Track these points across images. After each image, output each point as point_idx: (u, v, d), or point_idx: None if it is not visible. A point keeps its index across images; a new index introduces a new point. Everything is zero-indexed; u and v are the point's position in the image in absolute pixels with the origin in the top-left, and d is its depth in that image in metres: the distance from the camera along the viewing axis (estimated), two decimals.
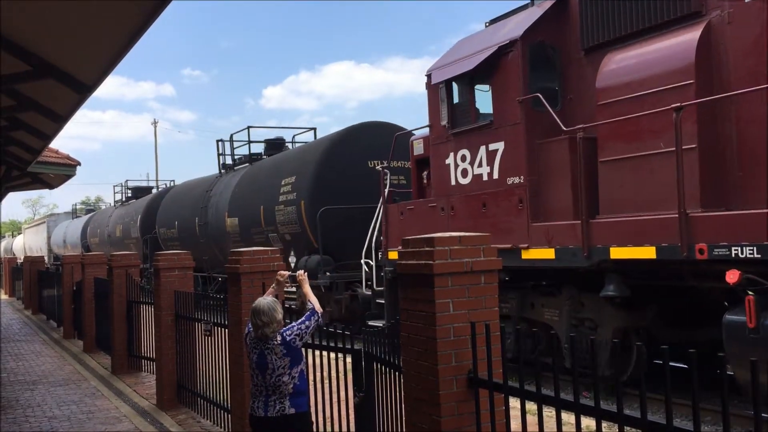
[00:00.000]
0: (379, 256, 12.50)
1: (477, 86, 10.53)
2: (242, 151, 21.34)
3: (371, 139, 15.34)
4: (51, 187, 15.80)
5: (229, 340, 6.99)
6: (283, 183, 16.00)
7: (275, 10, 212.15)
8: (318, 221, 14.15)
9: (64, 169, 13.44)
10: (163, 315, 9.14)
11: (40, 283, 23.60)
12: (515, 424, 3.73)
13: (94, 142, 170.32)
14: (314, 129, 20.26)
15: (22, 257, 39.44)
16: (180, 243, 22.39)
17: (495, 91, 9.92)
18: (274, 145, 20.32)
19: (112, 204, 37.07)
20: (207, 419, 8.12)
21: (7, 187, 14.06)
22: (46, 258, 42.33)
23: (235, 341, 6.63)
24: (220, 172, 21.74)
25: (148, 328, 10.89)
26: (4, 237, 75.18)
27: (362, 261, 13.24)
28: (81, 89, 6.83)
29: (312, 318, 4.79)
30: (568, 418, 3.67)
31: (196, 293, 9.13)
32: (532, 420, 3.59)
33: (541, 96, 9.02)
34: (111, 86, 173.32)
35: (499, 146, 9.75)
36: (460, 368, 3.81)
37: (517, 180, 9.46)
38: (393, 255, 11.47)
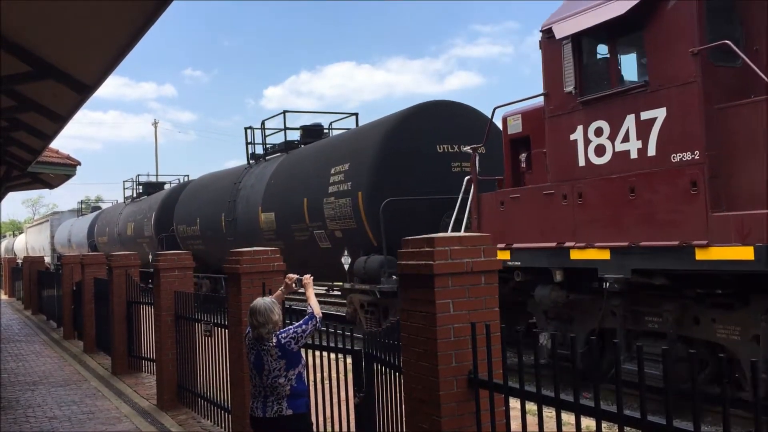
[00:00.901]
0: None
1: (621, 40, 8.55)
2: (273, 140, 19.38)
3: (439, 121, 13.22)
4: (51, 187, 15.80)
5: (229, 341, 6.99)
6: (333, 172, 13.90)
7: (276, 11, 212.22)
8: (381, 215, 12.07)
9: (64, 169, 13.44)
10: (163, 315, 9.14)
11: (39, 284, 23.58)
12: (515, 424, 3.73)
13: (94, 142, 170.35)
14: (356, 114, 18.41)
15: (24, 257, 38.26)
16: (203, 242, 20.80)
17: (652, 44, 7.90)
18: (312, 132, 18.08)
19: (122, 200, 34.33)
20: (207, 419, 8.13)
21: (7, 187, 14.06)
22: (49, 258, 41.39)
23: (235, 341, 6.64)
24: (248, 162, 19.48)
25: (148, 329, 10.89)
26: (5, 236, 75.12)
27: None
28: (81, 90, 6.83)
29: (309, 322, 4.79)
30: (568, 418, 3.67)
31: (198, 293, 9.13)
32: (532, 420, 3.59)
33: (731, 43, 7.10)
34: (112, 86, 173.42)
35: (658, 114, 7.72)
36: (461, 369, 3.81)
37: (687, 157, 7.42)
38: None
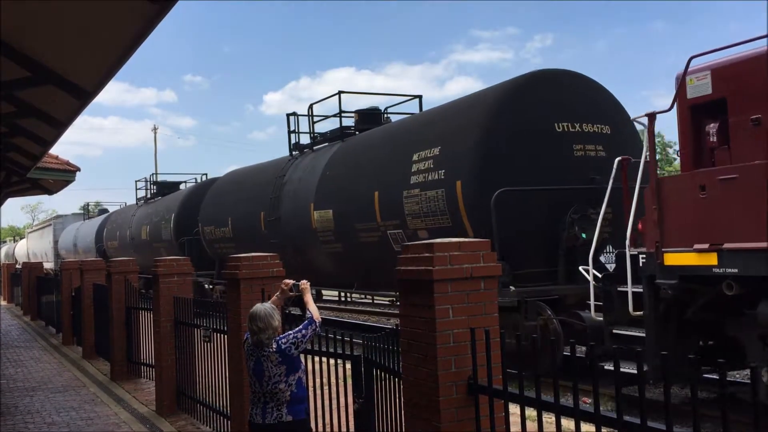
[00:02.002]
0: (640, 259, 8.14)
1: None
2: (318, 128, 17.21)
3: (557, 94, 10.75)
4: (50, 192, 15.82)
5: (229, 346, 6.98)
6: (416, 158, 11.58)
7: (276, 16, 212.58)
8: (493, 209, 9.61)
9: (64, 175, 13.46)
10: (163, 321, 9.14)
11: (38, 289, 23.55)
12: (515, 430, 3.73)
13: (95, 148, 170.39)
14: (419, 96, 15.87)
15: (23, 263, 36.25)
16: (236, 245, 17.95)
17: None
18: (370, 117, 15.70)
19: (127, 203, 31.59)
20: (206, 425, 8.11)
21: (6, 193, 14.07)
22: (52, 264, 39.89)
23: (235, 347, 6.63)
24: (291, 153, 17.23)
25: (147, 335, 10.88)
26: (5, 242, 75.02)
27: (585, 269, 9.09)
28: (81, 95, 6.84)
29: (309, 327, 4.79)
30: (568, 424, 3.67)
31: (196, 299, 9.11)
32: (532, 426, 3.59)
33: None
34: (112, 92, 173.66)
35: None
36: (460, 374, 3.81)
37: None
38: (679, 259, 7.50)
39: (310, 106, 16.94)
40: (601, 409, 3.06)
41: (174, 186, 27.90)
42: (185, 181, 28.22)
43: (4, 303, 35.02)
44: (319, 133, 16.75)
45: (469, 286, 3.89)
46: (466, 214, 10.44)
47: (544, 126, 10.48)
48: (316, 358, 5.80)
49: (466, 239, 4.01)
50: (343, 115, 15.92)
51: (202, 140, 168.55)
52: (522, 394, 3.45)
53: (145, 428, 8.35)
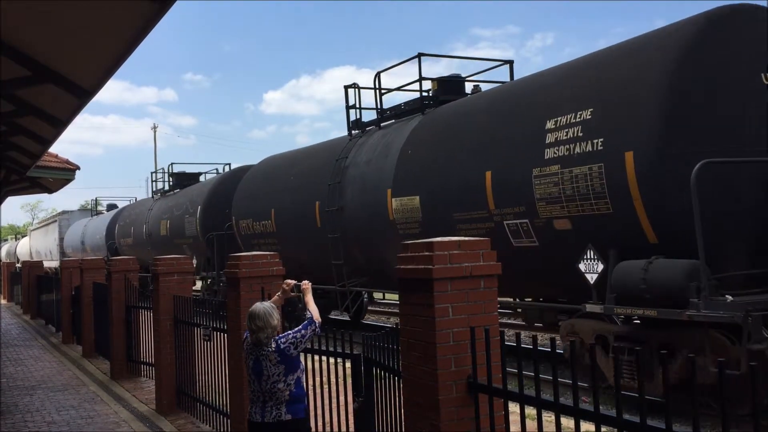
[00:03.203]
0: None
1: None
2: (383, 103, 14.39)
3: (761, 35, 8.16)
4: (50, 191, 15.81)
5: (228, 345, 6.99)
6: (551, 126, 8.99)
7: (277, 15, 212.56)
8: (694, 189, 7.15)
9: (63, 174, 13.45)
10: (162, 320, 9.14)
11: (38, 288, 23.55)
12: (515, 428, 3.73)
13: (95, 147, 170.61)
14: (510, 62, 13.31)
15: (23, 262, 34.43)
16: (279, 240, 15.88)
17: None
18: (452, 87, 13.18)
19: (150, 195, 28.62)
20: (206, 424, 8.12)
21: (6, 192, 14.06)
22: (57, 263, 39.49)
23: (234, 346, 6.63)
24: (350, 132, 14.97)
25: (147, 333, 10.89)
26: (6, 240, 75.00)
27: None
28: (81, 94, 6.84)
29: (309, 327, 4.79)
30: (567, 423, 3.67)
31: (195, 298, 9.11)
32: (531, 425, 3.59)
33: None
34: (113, 91, 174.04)
35: None
36: (460, 373, 3.81)
37: None
38: None
39: (377, 75, 14.12)
40: (600, 408, 3.06)
41: (193, 177, 25.27)
42: (204, 173, 25.71)
43: (3, 302, 35.03)
44: (386, 109, 14.18)
45: (469, 284, 3.89)
46: (641, 197, 7.83)
47: (748, 77, 8.04)
48: (316, 357, 5.81)
49: (467, 239, 4.00)
50: (414, 84, 13.44)
51: (202, 139, 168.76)
52: (522, 393, 3.45)
53: (145, 427, 8.36)
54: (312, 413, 5.43)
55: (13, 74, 6.34)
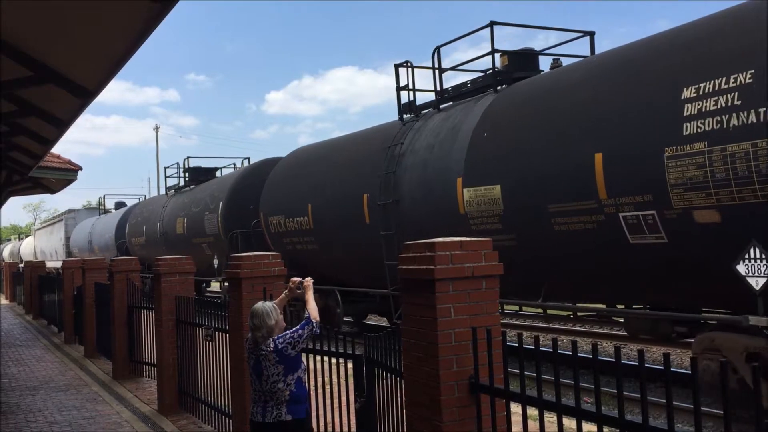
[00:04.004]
0: None
1: None
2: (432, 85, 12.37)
3: None
4: (52, 191, 15.82)
5: (230, 345, 6.99)
6: (691, 94, 7.42)
7: (279, 16, 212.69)
8: None
9: (65, 174, 13.46)
10: (164, 320, 9.15)
11: (40, 288, 23.58)
12: (516, 429, 3.72)
13: (98, 147, 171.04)
14: (591, 33, 11.46)
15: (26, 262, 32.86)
16: (316, 239, 14.37)
17: None
18: (524, 62, 11.59)
19: (164, 192, 26.90)
20: (208, 424, 8.12)
21: (8, 192, 14.07)
22: (61, 263, 38.89)
23: (236, 346, 6.64)
24: (401, 117, 13.29)
25: (149, 334, 10.89)
26: (9, 240, 75.10)
27: None
28: (83, 94, 6.84)
29: (306, 327, 4.79)
30: (569, 423, 3.66)
31: (197, 298, 9.12)
32: (533, 425, 3.59)
33: None
34: (115, 91, 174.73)
35: None
36: (462, 373, 3.81)
37: None
38: None
39: (437, 51, 12.22)
40: (602, 408, 3.06)
41: (210, 172, 23.72)
42: (221, 167, 24.20)
43: (6, 302, 35.06)
44: (450, 88, 12.45)
45: (471, 285, 3.89)
46: None
47: None
48: (318, 357, 5.81)
49: (468, 239, 4.00)
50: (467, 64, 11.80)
51: (205, 139, 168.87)
52: (524, 394, 3.45)
53: (147, 427, 8.36)
54: (314, 413, 5.44)
55: (16, 74, 6.35)
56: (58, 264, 37.05)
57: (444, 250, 3.84)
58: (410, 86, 12.94)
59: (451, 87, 12.39)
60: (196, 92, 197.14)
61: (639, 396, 2.93)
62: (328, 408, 5.71)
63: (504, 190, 9.73)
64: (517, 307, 14.51)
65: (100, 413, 9.19)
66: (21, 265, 36.01)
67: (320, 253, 14.48)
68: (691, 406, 2.71)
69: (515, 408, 3.79)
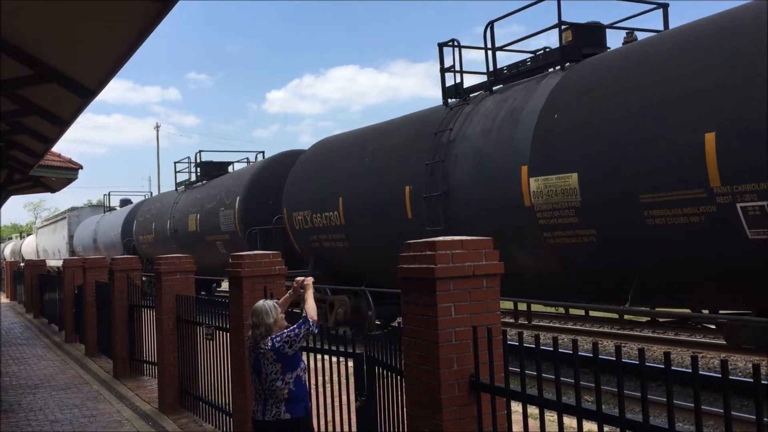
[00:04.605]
0: None
1: None
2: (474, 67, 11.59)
3: None
4: (53, 190, 15.82)
5: (231, 344, 6.99)
6: None
7: (280, 14, 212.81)
8: None
9: (66, 173, 13.46)
10: (165, 319, 9.16)
11: (41, 287, 23.59)
12: (517, 428, 3.73)
13: (99, 146, 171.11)
14: (665, 5, 10.42)
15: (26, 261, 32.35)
16: (348, 236, 13.25)
17: None
18: (591, 37, 10.25)
19: (174, 188, 25.27)
20: (209, 423, 8.12)
21: (9, 191, 14.08)
22: (61, 262, 38.14)
23: (237, 345, 6.64)
24: (446, 101, 11.95)
25: (149, 332, 10.90)
26: (10, 239, 75.11)
27: None
28: (84, 93, 6.84)
29: (302, 326, 4.80)
30: (570, 422, 3.67)
31: (198, 297, 9.12)
32: (534, 424, 3.59)
33: None
34: (116, 90, 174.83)
35: None
36: (462, 372, 3.81)
37: None
38: None
39: (490, 26, 10.96)
40: (603, 407, 3.06)
41: (222, 167, 22.51)
42: (232, 162, 23.00)
43: (6, 301, 35.08)
44: (504, 68, 11.10)
45: (471, 284, 3.89)
46: None
47: None
48: (319, 356, 5.81)
49: (469, 237, 4.00)
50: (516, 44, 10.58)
51: (206, 138, 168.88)
52: (524, 393, 3.45)
53: (148, 426, 8.37)
54: (314, 412, 5.44)
55: (16, 73, 6.35)
56: (60, 263, 36.95)
57: (444, 249, 3.84)
58: (456, 68, 11.71)
59: (506, 66, 11.10)
60: (197, 91, 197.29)
61: (640, 395, 2.93)
62: (329, 407, 5.71)
63: (582, 178, 8.53)
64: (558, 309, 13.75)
65: (100, 412, 9.20)
66: (22, 264, 35.91)
67: (351, 251, 13.42)
68: (692, 405, 2.71)
69: (516, 407, 3.79)
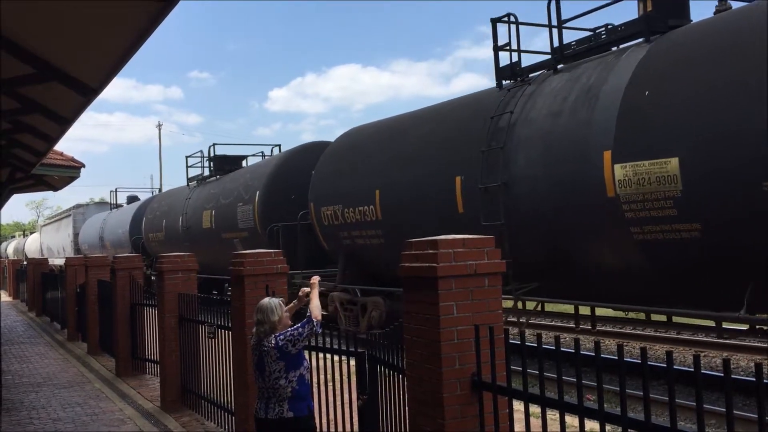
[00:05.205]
0: None
1: None
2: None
3: None
4: (55, 189, 15.83)
5: (233, 343, 6.99)
6: None
7: (282, 13, 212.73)
8: None
9: (69, 171, 13.48)
10: (167, 317, 9.17)
11: (43, 285, 23.61)
12: (519, 426, 3.72)
13: (101, 144, 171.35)
14: None
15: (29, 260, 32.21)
16: (385, 233, 12.29)
17: None
18: (671, 8, 9.08)
19: (185, 183, 24.02)
20: (211, 421, 8.13)
21: (11, 189, 14.09)
22: (63, 261, 37.30)
23: (239, 344, 6.64)
24: (500, 83, 10.91)
25: (152, 331, 10.91)
26: (13, 237, 75.17)
27: None
28: (86, 92, 6.84)
29: (306, 326, 4.81)
30: (571, 421, 3.66)
31: (200, 295, 9.13)
32: (536, 423, 3.58)
33: None
34: (119, 89, 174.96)
35: None
36: (464, 371, 3.81)
37: None
38: None
39: (555, 0, 9.87)
40: (605, 406, 3.06)
41: (236, 161, 21.67)
42: (246, 156, 21.96)
43: (9, 299, 35.13)
44: (573, 42, 10.04)
45: (473, 282, 3.88)
46: None
47: None
48: (321, 355, 5.81)
49: (471, 236, 4.00)
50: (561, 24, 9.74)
51: (208, 136, 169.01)
52: (526, 392, 3.45)
53: (150, 424, 8.38)
54: (316, 410, 5.44)
55: (19, 72, 6.35)
56: (62, 261, 36.69)
57: (446, 248, 3.84)
58: (512, 46, 10.63)
59: (574, 41, 10.03)
60: (200, 90, 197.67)
61: (642, 394, 2.92)
62: (331, 405, 5.71)
63: (685, 163, 7.34)
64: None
65: (103, 410, 9.21)
66: (24, 262, 35.90)
67: (388, 249, 12.19)
68: (694, 404, 2.71)
69: (518, 405, 3.79)
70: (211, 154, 21.77)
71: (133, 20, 5.14)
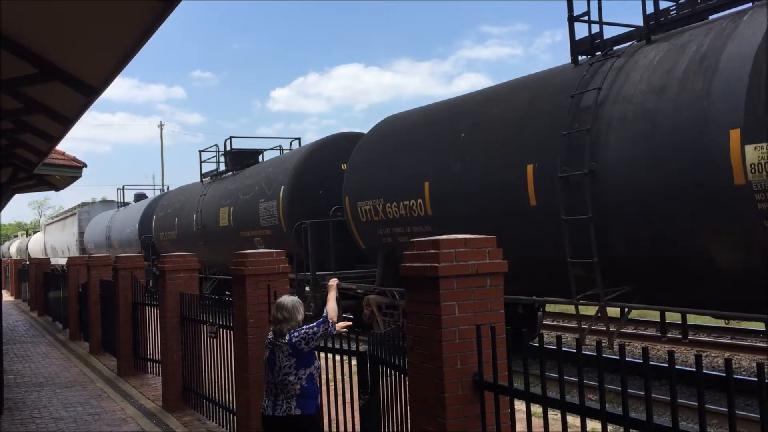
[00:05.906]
0: None
1: None
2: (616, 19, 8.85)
3: None
4: (57, 188, 15.83)
5: (235, 343, 7.00)
6: None
7: (285, 13, 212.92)
8: None
9: (70, 171, 13.48)
10: (169, 317, 9.17)
11: (45, 285, 23.64)
12: (521, 426, 3.72)
13: (103, 144, 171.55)
14: None
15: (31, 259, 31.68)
16: (434, 228, 10.89)
17: None
18: None
19: (199, 179, 23.03)
20: (213, 421, 8.14)
21: (13, 189, 14.10)
22: (65, 261, 36.45)
23: (241, 343, 6.65)
24: (575, 58, 9.65)
25: (153, 330, 10.92)
26: (16, 236, 75.26)
27: None
28: (88, 92, 6.85)
29: (321, 326, 4.85)
30: (573, 420, 3.66)
31: (202, 295, 9.13)
32: (537, 423, 3.58)
33: None
34: (121, 88, 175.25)
35: None
36: (466, 371, 3.81)
37: None
38: None
39: None
40: (607, 406, 3.06)
41: (252, 156, 20.36)
42: (262, 151, 20.65)
43: (11, 298, 35.17)
44: (672, 6, 8.83)
45: (475, 282, 3.89)
46: None
47: None
48: (323, 354, 5.81)
49: (473, 236, 4.00)
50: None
51: (210, 136, 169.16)
52: (527, 391, 3.45)
53: (152, 424, 8.38)
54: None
55: (20, 72, 6.35)
56: (63, 261, 36.47)
57: (448, 248, 3.84)
58: (595, 17, 9.29)
59: (674, 6, 8.82)
60: (202, 89, 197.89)
61: (643, 394, 2.92)
62: (333, 405, 5.72)
63: None
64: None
65: (105, 410, 9.22)
66: (26, 262, 35.88)
67: None
68: (696, 404, 2.71)
69: (519, 405, 3.79)
70: (227, 149, 20.57)
71: (136, 20, 5.15)
